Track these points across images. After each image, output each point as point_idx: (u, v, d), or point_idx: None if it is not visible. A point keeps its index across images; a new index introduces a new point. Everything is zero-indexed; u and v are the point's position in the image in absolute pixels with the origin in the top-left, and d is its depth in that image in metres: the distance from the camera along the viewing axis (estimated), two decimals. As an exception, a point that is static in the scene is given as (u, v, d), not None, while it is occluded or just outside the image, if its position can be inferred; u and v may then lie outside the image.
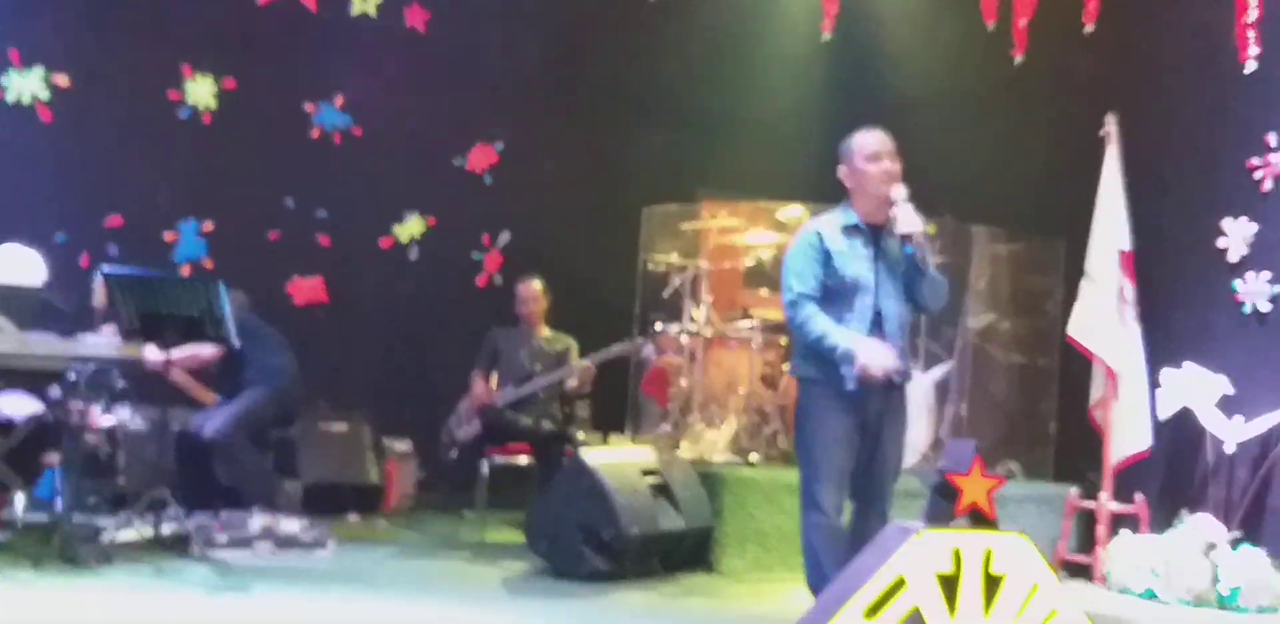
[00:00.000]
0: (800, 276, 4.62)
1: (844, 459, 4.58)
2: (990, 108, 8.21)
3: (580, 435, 7.03)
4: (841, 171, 4.70)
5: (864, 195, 4.66)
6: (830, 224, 4.69)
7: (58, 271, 6.76)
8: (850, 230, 4.65)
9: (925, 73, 8.49)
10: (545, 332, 7.28)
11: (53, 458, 6.29)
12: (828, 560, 4.47)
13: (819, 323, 4.56)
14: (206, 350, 6.37)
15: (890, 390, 4.63)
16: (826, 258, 4.61)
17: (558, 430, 6.98)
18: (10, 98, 7.44)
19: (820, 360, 4.59)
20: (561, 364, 7.05)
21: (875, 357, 4.47)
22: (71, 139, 7.53)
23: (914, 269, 4.60)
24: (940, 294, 4.72)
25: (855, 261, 4.60)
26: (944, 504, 3.88)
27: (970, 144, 8.14)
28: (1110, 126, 6.86)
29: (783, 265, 4.76)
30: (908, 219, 4.51)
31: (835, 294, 4.60)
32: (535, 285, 7.24)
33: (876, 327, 4.59)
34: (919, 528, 3.73)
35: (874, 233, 4.66)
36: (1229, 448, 6.40)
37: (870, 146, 4.65)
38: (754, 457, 6.82)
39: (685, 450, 6.89)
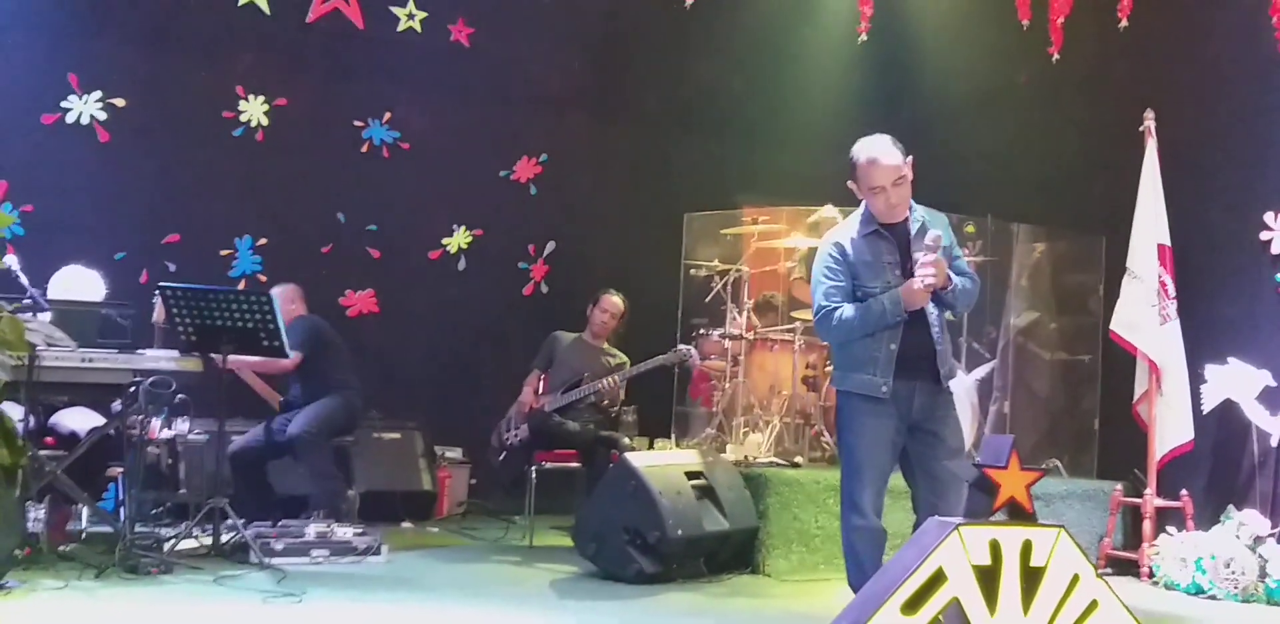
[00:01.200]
0: (827, 293, 4.63)
1: (884, 461, 4.59)
2: (1028, 105, 8.24)
3: (626, 440, 7.11)
4: (851, 186, 4.65)
5: (875, 210, 4.62)
6: (851, 232, 4.67)
7: (117, 289, 6.99)
8: (872, 237, 4.64)
9: (962, 72, 8.52)
10: (605, 344, 7.45)
11: (116, 470, 6.49)
12: (869, 562, 4.51)
13: (849, 308, 4.56)
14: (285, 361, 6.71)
15: (936, 388, 4.63)
16: (851, 270, 4.61)
17: (604, 436, 7.08)
18: (70, 119, 7.64)
19: (858, 367, 4.60)
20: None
21: (911, 289, 4.46)
22: (128, 159, 7.74)
23: (952, 299, 4.61)
24: (971, 300, 4.72)
25: (881, 271, 4.60)
26: (982, 498, 3.92)
27: (1009, 142, 8.16)
28: (1149, 122, 6.85)
29: (812, 279, 4.75)
30: (924, 275, 4.47)
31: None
32: (621, 302, 7.42)
33: (913, 330, 4.58)
34: (958, 522, 3.77)
35: (896, 235, 4.63)
36: (1274, 442, 6.37)
37: (873, 180, 4.52)
38: (798, 458, 6.88)
39: (730, 453, 6.95)
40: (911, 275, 4.54)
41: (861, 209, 4.69)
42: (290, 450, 6.74)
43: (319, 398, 6.86)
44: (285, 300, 6.92)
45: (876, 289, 4.58)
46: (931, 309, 4.63)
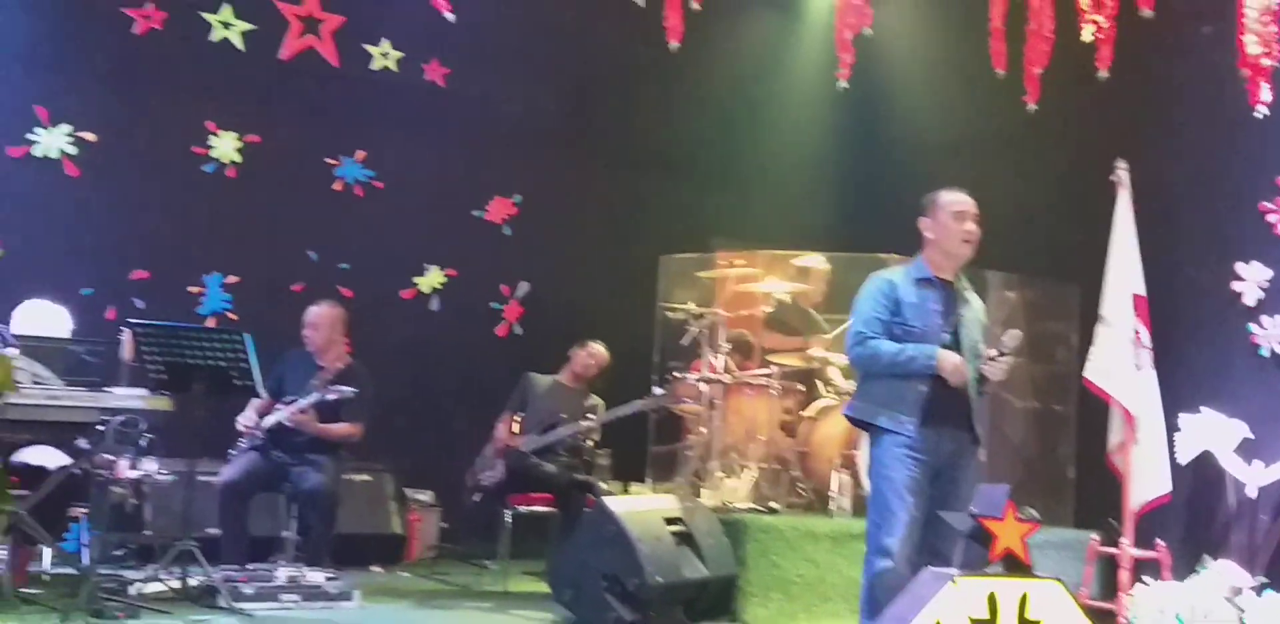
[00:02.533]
0: (867, 321, 4.70)
1: (916, 508, 4.59)
2: (1004, 154, 8.31)
3: (602, 485, 7.05)
4: (923, 223, 4.79)
5: (938, 250, 4.77)
6: (903, 275, 4.77)
7: (85, 325, 6.88)
8: (923, 283, 4.74)
9: (938, 120, 8.61)
10: (580, 386, 7.45)
11: (80, 511, 6.33)
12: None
13: (887, 343, 4.63)
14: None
15: (966, 437, 4.70)
16: (897, 306, 4.69)
17: (580, 480, 7.01)
18: (38, 152, 7.54)
19: (889, 403, 4.63)
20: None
21: (954, 363, 4.56)
22: (97, 193, 7.65)
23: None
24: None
25: (925, 314, 4.68)
26: (978, 550, 3.91)
27: (983, 190, 8.08)
28: (1121, 172, 6.91)
29: (852, 309, 4.82)
30: (998, 370, 4.69)
31: (902, 343, 4.64)
32: (605, 352, 7.42)
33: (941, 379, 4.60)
34: (954, 574, 3.76)
35: (946, 288, 4.74)
36: (1251, 492, 6.40)
37: (959, 205, 4.76)
38: (774, 504, 6.83)
39: (706, 498, 6.90)
40: (948, 328, 4.66)
41: (913, 261, 4.82)
42: (310, 501, 6.53)
43: (333, 448, 6.73)
44: (332, 326, 6.85)
45: (917, 329, 4.65)
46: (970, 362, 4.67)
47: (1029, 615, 3.74)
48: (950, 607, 3.69)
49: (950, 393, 4.63)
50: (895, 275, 4.78)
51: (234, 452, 6.71)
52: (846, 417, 4.98)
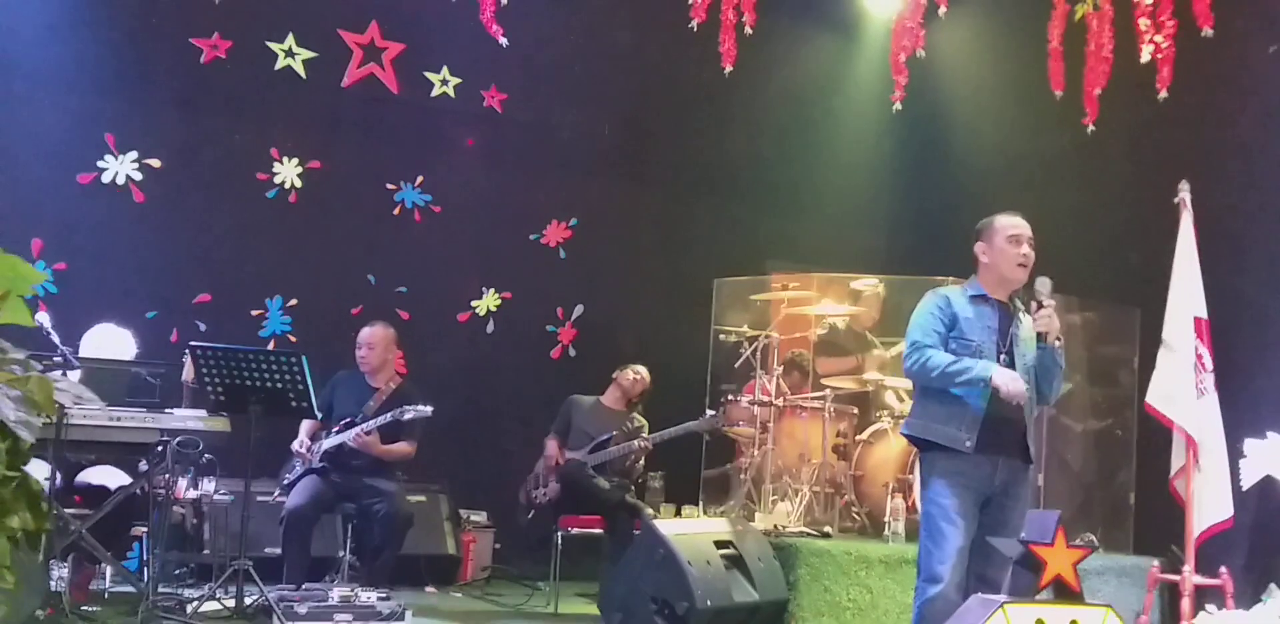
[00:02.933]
0: (924, 331, 4.71)
1: (967, 533, 4.56)
2: (1063, 175, 8.22)
3: (650, 511, 7.04)
4: (979, 247, 4.81)
5: (993, 274, 4.77)
6: (959, 293, 4.80)
7: (148, 347, 6.98)
8: (978, 300, 4.76)
9: (996, 142, 8.54)
10: (626, 408, 7.45)
11: (140, 530, 6.43)
12: None
13: (942, 355, 4.62)
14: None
15: (1020, 463, 4.67)
16: (953, 321, 4.70)
17: (629, 502, 7.03)
18: (106, 178, 7.70)
19: (945, 420, 4.62)
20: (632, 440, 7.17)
21: (1010, 377, 4.52)
22: (163, 219, 7.80)
23: (1049, 361, 4.72)
24: (1060, 388, 4.89)
25: (981, 330, 4.69)
26: (1028, 576, 3.86)
27: (1043, 212, 7.99)
28: (1184, 193, 6.81)
29: (909, 325, 4.82)
30: (1048, 317, 4.65)
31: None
32: (647, 375, 7.43)
33: (998, 397, 4.57)
34: (1002, 601, 3.71)
35: (1001, 308, 4.75)
36: (1316, 518, 6.27)
37: (1014, 229, 4.77)
38: (828, 528, 6.78)
39: (758, 522, 6.86)
40: (1009, 344, 4.67)
41: (969, 281, 4.83)
42: (386, 525, 6.55)
43: (392, 468, 6.80)
44: (386, 347, 6.89)
45: (973, 342, 4.66)
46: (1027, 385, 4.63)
47: None
48: None
49: (1006, 417, 4.60)
50: (952, 292, 4.81)
51: (288, 475, 6.75)
52: (904, 435, 4.95)
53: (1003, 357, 4.66)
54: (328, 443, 6.68)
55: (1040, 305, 4.67)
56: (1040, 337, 4.68)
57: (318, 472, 6.68)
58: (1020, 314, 4.81)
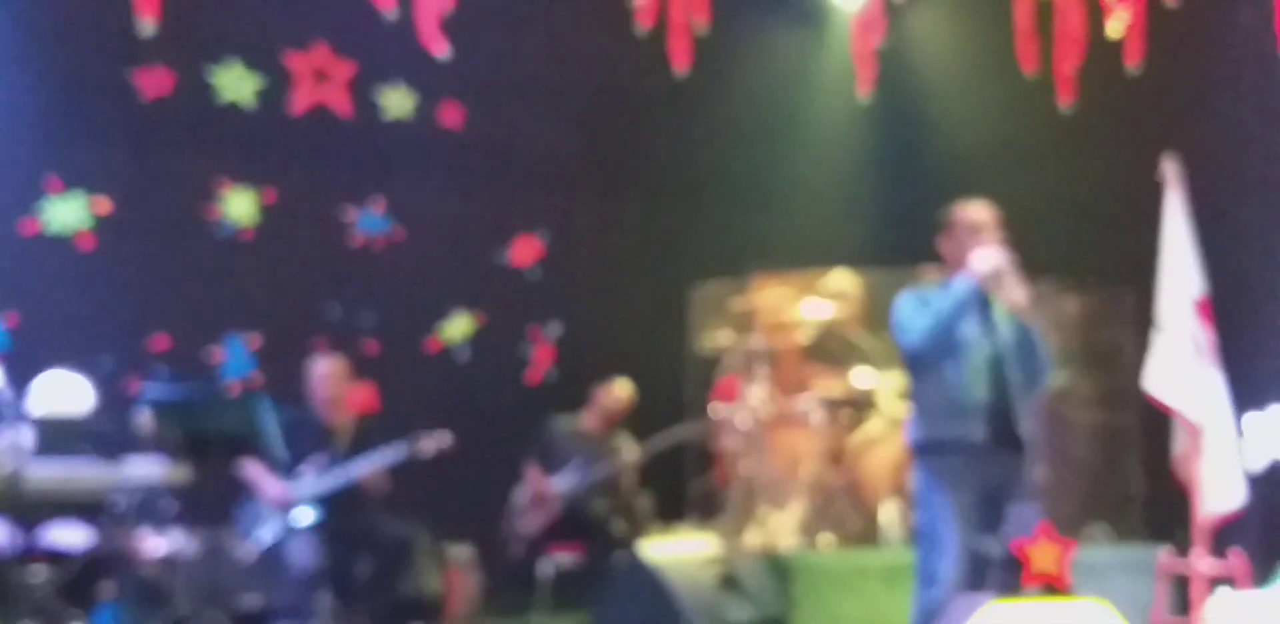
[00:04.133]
0: (910, 317, 4.61)
1: (967, 534, 4.45)
2: (1043, 159, 8.04)
3: (637, 539, 6.83)
4: (941, 242, 4.73)
5: (963, 268, 4.64)
6: (931, 288, 4.77)
7: (106, 396, 6.75)
8: None
9: (971, 128, 8.36)
10: (608, 428, 7.30)
11: (109, 588, 6.21)
12: None
13: (930, 308, 4.55)
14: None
15: (1016, 455, 4.55)
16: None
17: (618, 532, 6.89)
18: (50, 222, 7.48)
19: (949, 414, 4.55)
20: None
21: (986, 255, 4.46)
22: (112, 261, 7.56)
23: (1028, 338, 4.62)
24: (1046, 375, 4.82)
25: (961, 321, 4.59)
26: (1011, 574, 3.78)
27: (1026, 197, 7.88)
28: (1168, 169, 6.61)
29: (893, 329, 4.75)
30: (1013, 291, 4.54)
31: (943, 352, 4.58)
32: (627, 392, 7.29)
33: (990, 385, 4.54)
34: (987, 600, 3.62)
35: (979, 299, 4.64)
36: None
37: (971, 219, 4.70)
38: (824, 538, 6.56)
39: (752, 536, 6.65)
40: (993, 334, 4.65)
41: (943, 276, 4.78)
42: (398, 556, 6.46)
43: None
44: (338, 380, 6.70)
45: (954, 334, 4.58)
46: (1014, 372, 4.58)
47: None
48: None
49: (1000, 408, 4.55)
50: (924, 290, 4.76)
51: (263, 532, 6.45)
52: (910, 441, 4.83)
53: (984, 343, 4.61)
54: (318, 489, 6.39)
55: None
56: (1014, 313, 4.59)
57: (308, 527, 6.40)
58: (998, 303, 4.69)
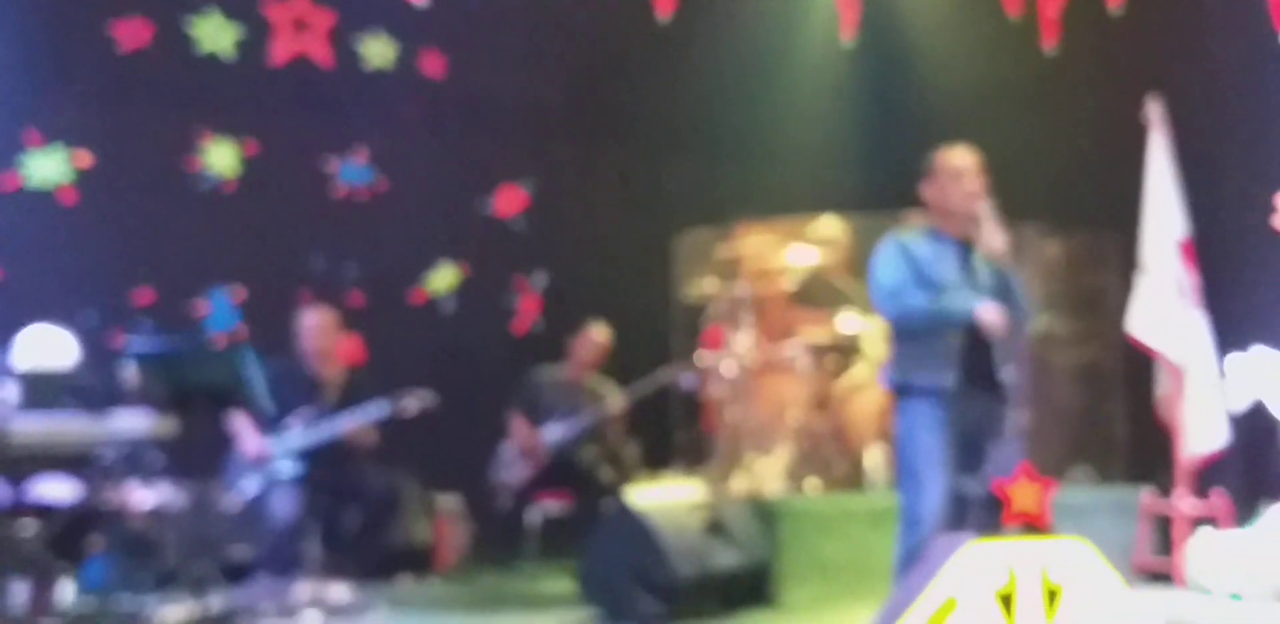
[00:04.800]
0: (892, 278, 4.61)
1: (946, 477, 4.49)
2: (1027, 102, 8.00)
3: (625, 484, 6.87)
4: (924, 188, 4.71)
5: (946, 213, 4.68)
6: (914, 235, 4.73)
7: (90, 350, 6.72)
8: (934, 238, 4.67)
9: (955, 71, 8.30)
10: (591, 376, 7.29)
11: (97, 541, 6.23)
12: None
13: (921, 298, 4.54)
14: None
15: (996, 396, 4.54)
16: (914, 263, 4.61)
17: (605, 478, 6.93)
18: (34, 183, 7.43)
19: (921, 361, 4.55)
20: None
21: (994, 309, 4.45)
22: (95, 215, 7.50)
23: (1007, 284, 4.61)
24: (1027, 324, 4.84)
25: (942, 267, 4.60)
26: (992, 514, 3.80)
27: (1009, 141, 7.81)
28: (1151, 111, 6.60)
29: (869, 278, 4.77)
30: (992, 237, 4.53)
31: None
32: (604, 335, 7.26)
33: (966, 330, 4.51)
34: (968, 539, 3.62)
35: (959, 243, 4.67)
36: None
37: (953, 165, 4.67)
38: (810, 483, 6.59)
39: (739, 482, 6.68)
40: (975, 278, 4.62)
41: (926, 223, 4.77)
42: (382, 506, 6.54)
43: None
44: (333, 333, 6.74)
45: (936, 283, 4.58)
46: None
47: (1051, 577, 3.54)
48: (965, 572, 3.50)
49: (980, 353, 4.53)
50: (907, 237, 4.74)
51: (246, 484, 6.46)
52: (885, 384, 4.88)
53: (964, 288, 4.59)
54: (301, 442, 6.40)
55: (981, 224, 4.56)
56: (993, 259, 4.58)
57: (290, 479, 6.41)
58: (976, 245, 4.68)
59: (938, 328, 4.53)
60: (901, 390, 4.69)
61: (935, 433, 4.51)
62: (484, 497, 7.30)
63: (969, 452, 4.50)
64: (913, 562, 4.30)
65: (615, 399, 7.05)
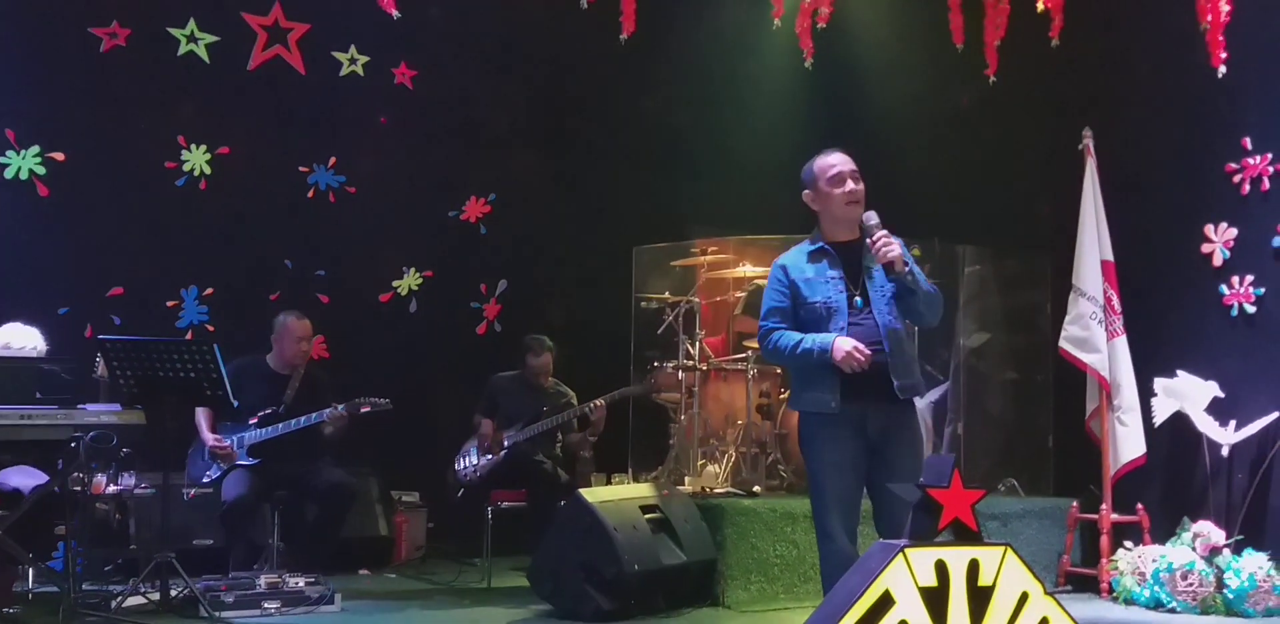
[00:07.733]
0: (769, 314, 4.64)
1: (850, 485, 4.53)
2: (971, 127, 8.25)
3: (577, 484, 7.09)
4: (806, 196, 4.66)
5: (828, 218, 4.63)
6: (796, 254, 4.69)
7: (62, 344, 6.85)
8: (816, 255, 4.62)
9: (906, 96, 8.52)
10: (549, 381, 7.44)
11: (63, 529, 6.35)
12: None
13: (787, 336, 4.55)
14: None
15: (893, 407, 4.55)
16: (794, 289, 4.60)
17: (562, 481, 7.14)
18: (8, 174, 7.55)
19: (808, 385, 4.55)
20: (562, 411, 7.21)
21: (848, 347, 4.40)
22: (70, 213, 7.65)
23: (905, 290, 4.53)
24: (937, 308, 4.64)
25: (823, 286, 4.56)
26: (927, 520, 3.88)
27: (953, 164, 8.19)
28: (1087, 140, 6.89)
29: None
30: (884, 247, 4.45)
31: (810, 322, 4.57)
32: (549, 349, 7.41)
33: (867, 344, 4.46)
34: (903, 545, 3.73)
35: (844, 253, 4.61)
36: (1225, 452, 6.39)
37: (832, 169, 4.57)
38: (755, 487, 6.82)
39: (688, 485, 6.90)
40: (865, 288, 4.54)
41: (813, 233, 4.71)
42: (333, 496, 6.66)
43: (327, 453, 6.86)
44: (306, 339, 6.91)
45: (817, 303, 4.56)
46: (883, 321, 4.55)
47: (980, 582, 3.71)
48: (900, 577, 3.66)
49: (866, 373, 4.46)
50: (787, 258, 4.69)
51: (209, 474, 6.66)
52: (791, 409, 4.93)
53: (856, 299, 4.55)
54: (257, 437, 6.62)
55: (874, 240, 4.50)
56: (887, 268, 4.51)
57: (244, 465, 6.61)
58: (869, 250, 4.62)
59: (802, 362, 4.54)
60: (798, 410, 4.72)
61: (832, 449, 4.51)
62: (443, 493, 7.48)
63: (877, 463, 4.52)
64: (832, 572, 4.44)
65: (572, 402, 7.24)
